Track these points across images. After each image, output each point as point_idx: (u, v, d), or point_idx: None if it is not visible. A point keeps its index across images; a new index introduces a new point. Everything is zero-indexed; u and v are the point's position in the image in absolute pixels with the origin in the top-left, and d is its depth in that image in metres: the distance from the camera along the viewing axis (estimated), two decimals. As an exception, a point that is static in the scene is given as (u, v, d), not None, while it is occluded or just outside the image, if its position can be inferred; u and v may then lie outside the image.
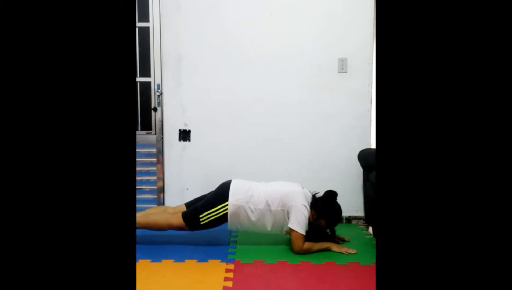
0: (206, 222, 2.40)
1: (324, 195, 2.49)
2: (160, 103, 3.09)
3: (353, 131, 3.08)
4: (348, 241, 2.63)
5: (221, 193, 2.43)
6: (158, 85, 3.08)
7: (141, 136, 3.13)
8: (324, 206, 2.45)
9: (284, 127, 3.10)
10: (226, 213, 2.39)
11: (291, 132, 3.10)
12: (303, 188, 2.49)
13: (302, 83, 3.06)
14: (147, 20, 3.03)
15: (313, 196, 2.49)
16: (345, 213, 2.78)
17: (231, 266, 2.17)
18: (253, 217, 2.39)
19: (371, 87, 3.07)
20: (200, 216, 2.39)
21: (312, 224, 2.49)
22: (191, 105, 3.10)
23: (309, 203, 2.43)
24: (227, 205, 2.38)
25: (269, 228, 2.44)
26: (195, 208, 2.44)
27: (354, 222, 3.15)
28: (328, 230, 2.55)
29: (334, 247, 2.43)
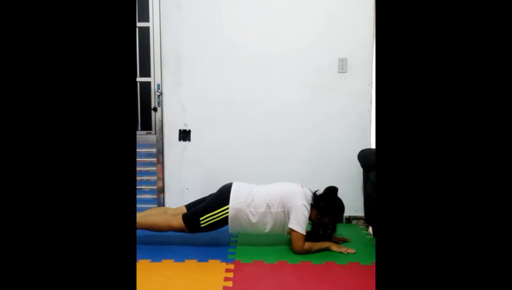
0: (206, 225, 2.39)
1: (324, 192, 2.49)
2: (160, 103, 3.09)
3: (353, 131, 3.08)
4: (348, 241, 2.63)
5: (222, 196, 2.43)
6: (158, 85, 3.08)
7: (141, 136, 3.13)
8: (326, 204, 2.45)
9: (284, 127, 3.10)
10: (227, 217, 2.38)
11: (291, 132, 3.10)
12: (302, 187, 2.49)
13: (302, 83, 3.06)
14: (147, 20, 3.03)
15: (314, 195, 2.49)
16: (345, 213, 2.78)
17: (231, 266, 2.17)
18: (254, 220, 2.39)
19: (371, 87, 3.07)
20: (201, 218, 2.39)
21: (315, 223, 2.49)
22: (191, 105, 3.10)
23: (310, 203, 2.43)
24: (227, 208, 2.38)
25: (270, 229, 2.44)
26: (195, 211, 2.43)
27: (354, 222, 3.15)
28: (329, 227, 2.55)
29: (334, 247, 2.43)
